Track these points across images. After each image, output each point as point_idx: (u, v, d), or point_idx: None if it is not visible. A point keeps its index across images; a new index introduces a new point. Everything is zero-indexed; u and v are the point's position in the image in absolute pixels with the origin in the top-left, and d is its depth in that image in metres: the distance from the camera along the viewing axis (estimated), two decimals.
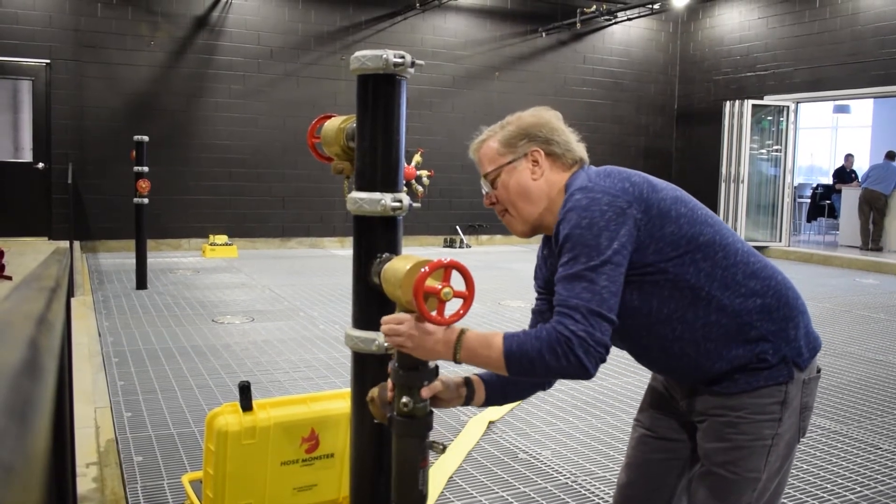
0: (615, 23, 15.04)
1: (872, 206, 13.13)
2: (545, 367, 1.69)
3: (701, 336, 1.79)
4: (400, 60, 1.94)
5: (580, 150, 1.95)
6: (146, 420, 4.26)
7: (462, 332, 1.78)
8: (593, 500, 3.39)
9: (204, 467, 2.84)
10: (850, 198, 14.12)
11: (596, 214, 1.72)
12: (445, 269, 1.80)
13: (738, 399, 1.81)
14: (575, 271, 1.70)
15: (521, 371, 1.73)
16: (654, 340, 1.84)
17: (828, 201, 15.51)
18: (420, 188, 11.23)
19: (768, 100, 14.08)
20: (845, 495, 3.50)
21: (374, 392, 1.92)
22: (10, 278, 7.28)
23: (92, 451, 3.73)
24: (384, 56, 1.93)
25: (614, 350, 1.80)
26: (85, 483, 3.34)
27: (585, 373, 1.68)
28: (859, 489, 3.57)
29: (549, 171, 1.91)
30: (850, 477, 3.71)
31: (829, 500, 3.44)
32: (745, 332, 1.79)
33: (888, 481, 3.67)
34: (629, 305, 1.79)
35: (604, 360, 1.69)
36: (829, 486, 3.59)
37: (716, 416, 1.84)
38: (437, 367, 1.88)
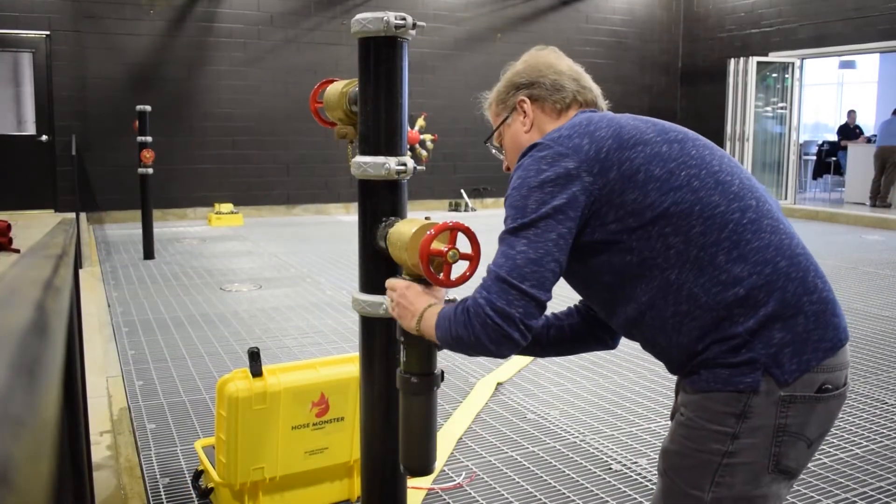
0: None
1: (886, 162, 13.05)
2: (462, 342, 1.54)
3: (671, 326, 1.54)
4: (401, 22, 1.92)
5: (575, 88, 1.74)
6: (158, 388, 4.30)
7: (430, 305, 1.70)
8: (601, 459, 3.42)
9: (216, 433, 2.86)
10: (855, 154, 14.05)
11: (531, 174, 1.53)
12: (451, 231, 1.80)
13: (694, 398, 1.55)
14: (500, 234, 1.55)
15: (450, 346, 1.59)
16: (629, 323, 1.63)
17: (833, 158, 15.43)
18: (424, 152, 11.20)
19: (773, 56, 13.96)
20: (851, 450, 3.52)
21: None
22: (18, 251, 7.31)
23: (105, 420, 3.77)
24: (385, 18, 1.91)
25: None
26: (99, 451, 3.38)
27: (484, 350, 1.51)
28: (865, 443, 3.59)
29: (539, 120, 1.75)
30: (857, 432, 3.73)
31: (836, 454, 3.47)
32: (723, 329, 1.50)
33: (894, 436, 3.69)
34: (601, 280, 1.60)
35: (510, 339, 1.48)
36: (835, 440, 3.61)
37: (679, 413, 1.60)
38: None
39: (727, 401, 1.49)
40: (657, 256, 1.52)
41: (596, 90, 1.78)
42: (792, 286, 1.51)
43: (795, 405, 1.49)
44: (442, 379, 1.90)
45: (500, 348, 1.50)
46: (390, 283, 1.83)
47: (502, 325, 1.47)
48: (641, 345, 1.68)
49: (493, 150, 1.88)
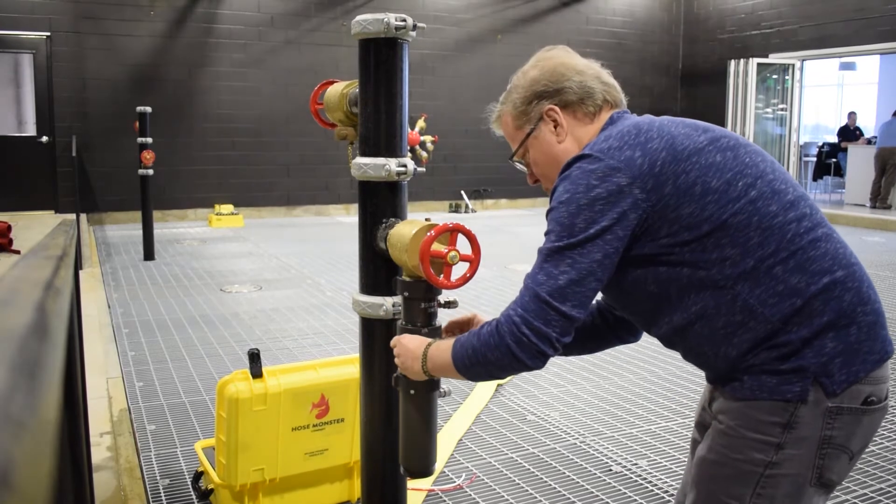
0: None
1: (886, 163, 13.04)
2: (488, 363, 1.52)
3: (722, 336, 1.49)
4: (402, 24, 1.92)
5: (602, 88, 1.66)
6: (158, 389, 4.30)
7: (430, 343, 1.69)
8: (601, 460, 3.42)
9: (216, 434, 2.86)
10: (856, 156, 14.04)
11: (580, 189, 1.46)
12: (451, 232, 1.81)
13: (735, 405, 1.50)
14: (540, 249, 1.50)
15: (475, 373, 1.58)
16: (674, 332, 1.57)
17: (833, 160, 15.43)
18: (424, 153, 11.20)
19: (773, 58, 13.96)
20: None
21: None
22: (18, 252, 7.31)
23: (105, 421, 3.77)
24: (385, 20, 1.92)
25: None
26: (99, 452, 3.38)
27: (519, 365, 1.49)
28: None
29: (573, 127, 1.65)
30: None
31: None
32: (776, 338, 1.46)
33: (894, 437, 3.69)
34: (646, 290, 1.54)
35: (545, 355, 1.47)
36: None
37: (717, 420, 1.55)
38: (440, 327, 1.88)
39: (773, 410, 1.45)
40: (711, 268, 1.47)
41: (617, 85, 1.71)
42: (848, 296, 1.47)
43: (842, 417, 1.45)
44: (445, 394, 1.90)
45: (534, 362, 1.48)
46: (392, 341, 1.83)
47: (538, 343, 1.45)
48: (683, 353, 1.62)
49: (518, 166, 1.78)
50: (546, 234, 1.52)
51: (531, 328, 1.45)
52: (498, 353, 1.49)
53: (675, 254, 1.48)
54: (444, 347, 1.64)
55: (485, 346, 1.51)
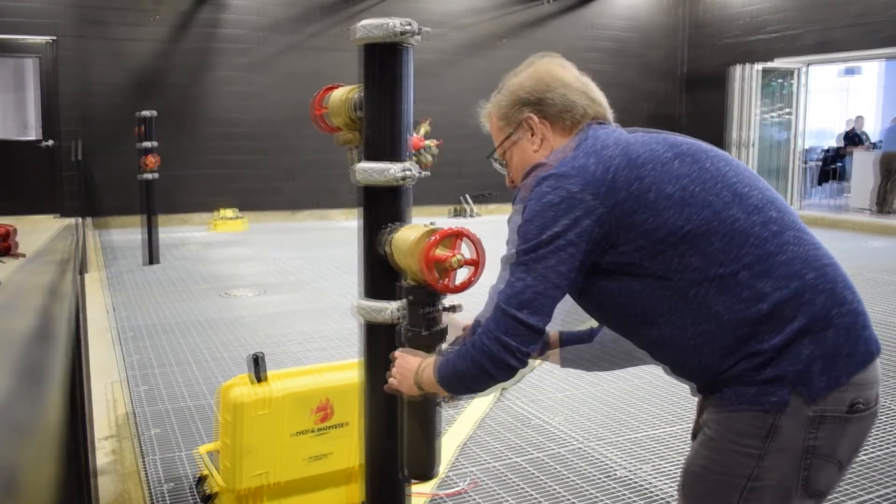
0: None
1: (890, 168, 13.02)
2: (460, 373, 1.58)
3: (694, 347, 1.47)
4: (406, 28, 1.92)
5: (586, 103, 1.66)
6: (160, 393, 4.30)
7: (425, 360, 1.73)
8: (605, 464, 3.41)
9: (220, 438, 2.86)
10: (860, 161, 14.02)
11: (533, 197, 1.50)
12: (454, 237, 1.81)
13: (719, 416, 1.49)
14: (500, 259, 1.55)
15: (453, 385, 1.63)
16: (654, 346, 1.57)
17: (837, 164, 15.41)
18: (429, 157, 11.20)
19: (777, 63, 13.95)
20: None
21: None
22: (23, 255, 7.32)
23: (108, 425, 3.77)
24: (389, 24, 1.92)
25: None
26: (102, 456, 3.38)
27: (486, 375, 1.54)
28: (871, 450, 3.57)
29: (549, 138, 1.66)
30: None
31: None
32: (749, 346, 1.43)
33: (895, 441, 3.68)
34: (613, 301, 1.54)
35: (507, 364, 1.49)
36: None
37: (703, 431, 1.54)
38: (443, 330, 1.89)
39: (753, 420, 1.43)
40: (673, 276, 1.45)
41: (604, 101, 1.71)
42: (821, 299, 1.44)
43: (826, 425, 1.42)
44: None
45: (498, 371, 1.51)
46: (393, 354, 1.86)
47: (498, 353, 1.49)
48: (669, 368, 1.60)
49: (496, 166, 1.81)
50: (506, 243, 1.55)
51: (491, 338, 1.49)
52: (467, 363, 1.54)
53: (636, 263, 1.48)
54: (431, 362, 1.69)
55: (458, 358, 1.57)
